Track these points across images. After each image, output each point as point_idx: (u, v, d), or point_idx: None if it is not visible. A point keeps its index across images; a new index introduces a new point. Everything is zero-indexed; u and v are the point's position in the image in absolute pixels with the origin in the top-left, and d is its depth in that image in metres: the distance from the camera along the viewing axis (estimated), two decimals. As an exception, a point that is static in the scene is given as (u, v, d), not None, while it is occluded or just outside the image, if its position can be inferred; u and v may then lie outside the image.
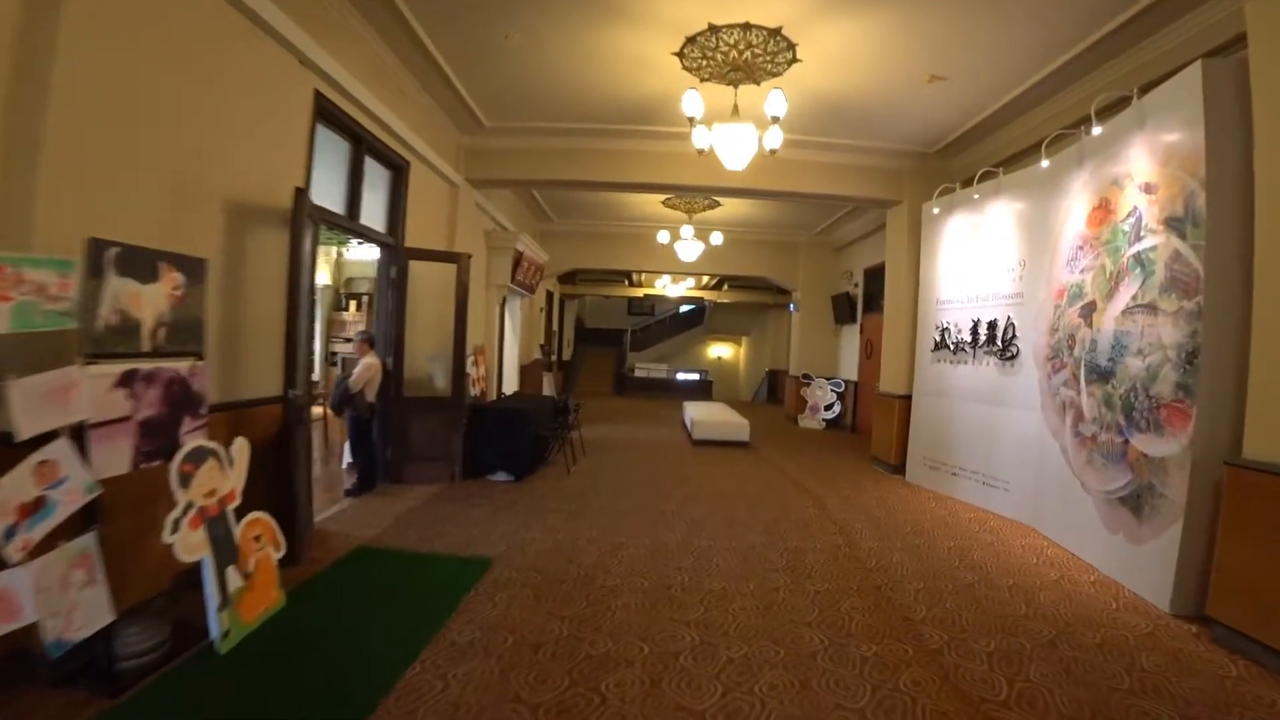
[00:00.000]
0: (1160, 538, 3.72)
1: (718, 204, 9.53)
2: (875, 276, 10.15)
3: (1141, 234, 4.04)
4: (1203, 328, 3.57)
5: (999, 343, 5.57)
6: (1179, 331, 3.69)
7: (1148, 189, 4.02)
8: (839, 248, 11.64)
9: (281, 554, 3.20)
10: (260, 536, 3.07)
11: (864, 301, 10.77)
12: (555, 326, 15.70)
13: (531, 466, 6.34)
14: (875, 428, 7.56)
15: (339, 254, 9.66)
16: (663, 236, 9.68)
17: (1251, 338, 3.30)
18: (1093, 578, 4.10)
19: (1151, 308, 3.91)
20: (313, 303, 4.57)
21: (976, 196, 5.78)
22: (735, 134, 4.74)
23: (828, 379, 11.53)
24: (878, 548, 4.59)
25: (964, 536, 4.89)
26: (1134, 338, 4.04)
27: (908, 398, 6.86)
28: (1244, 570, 3.15)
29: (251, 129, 3.69)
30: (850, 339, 11.31)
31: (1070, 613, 3.54)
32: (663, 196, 9.28)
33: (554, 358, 15.10)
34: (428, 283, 6.00)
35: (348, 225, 5.01)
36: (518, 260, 8.64)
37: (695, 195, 7.47)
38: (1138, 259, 4.06)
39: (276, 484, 3.74)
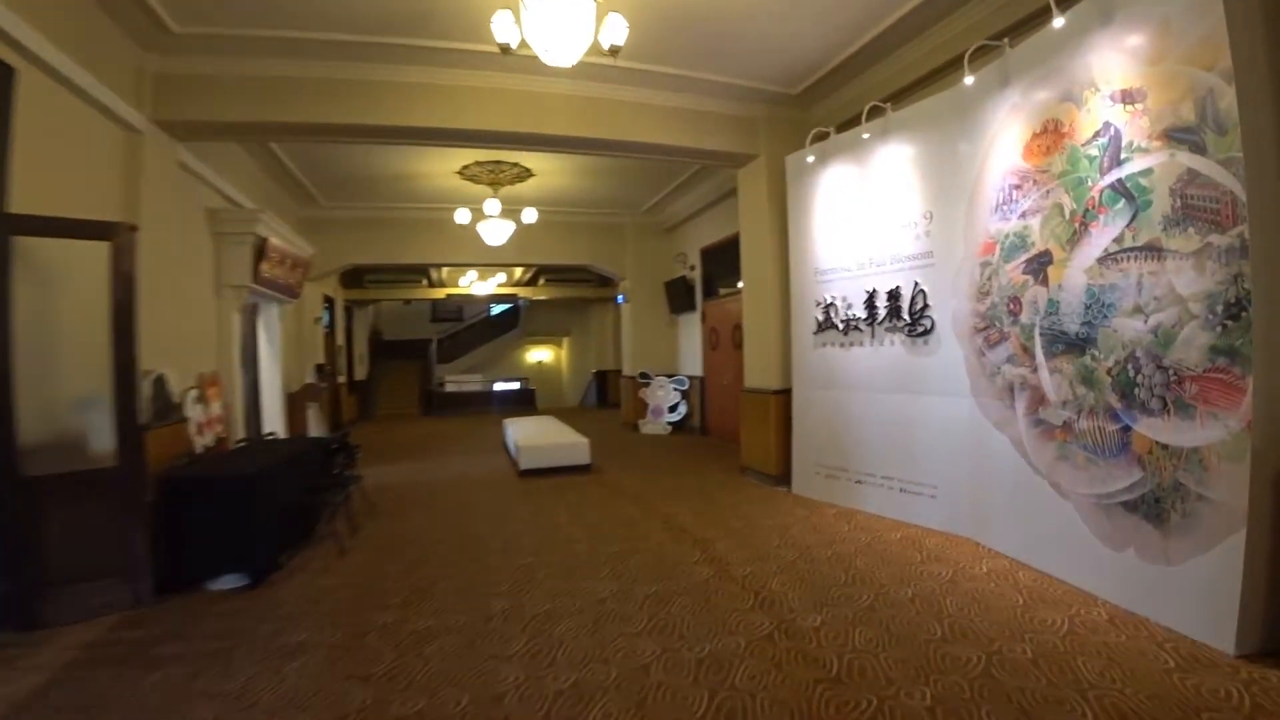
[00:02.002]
0: (1206, 555, 2.77)
1: (529, 173, 7.72)
2: (715, 256, 9.08)
3: (1123, 156, 2.96)
4: (1251, 268, 2.46)
5: (906, 316, 4.46)
6: (1207, 278, 2.68)
7: (1127, 97, 2.95)
8: (670, 228, 10.48)
9: None
10: None
11: (704, 286, 9.66)
12: (342, 341, 12.77)
13: (282, 555, 4.06)
14: (745, 432, 6.28)
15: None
16: (462, 216, 7.65)
17: None
18: (1104, 613, 3.10)
19: (1153, 250, 2.87)
20: None
21: (867, 136, 4.65)
22: (561, 5, 3.04)
23: (669, 376, 10.27)
24: (801, 605, 3.27)
25: (911, 571, 3.74)
26: (1125, 292, 3.01)
27: (786, 393, 5.64)
28: None
29: None
30: (691, 329, 10.14)
31: (1135, 688, 2.41)
32: (458, 163, 7.24)
33: (341, 379, 12.22)
34: (84, 281, 3.51)
35: None
36: (263, 251, 6.11)
37: (502, 145, 5.57)
38: (1119, 189, 3.01)
39: None
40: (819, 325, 5.29)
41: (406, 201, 9.02)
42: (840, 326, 5.08)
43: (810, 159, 5.18)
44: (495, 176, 7.67)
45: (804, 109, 5.82)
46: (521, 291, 16.22)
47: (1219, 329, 2.70)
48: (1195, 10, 2.76)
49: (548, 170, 7.71)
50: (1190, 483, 2.82)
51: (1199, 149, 2.77)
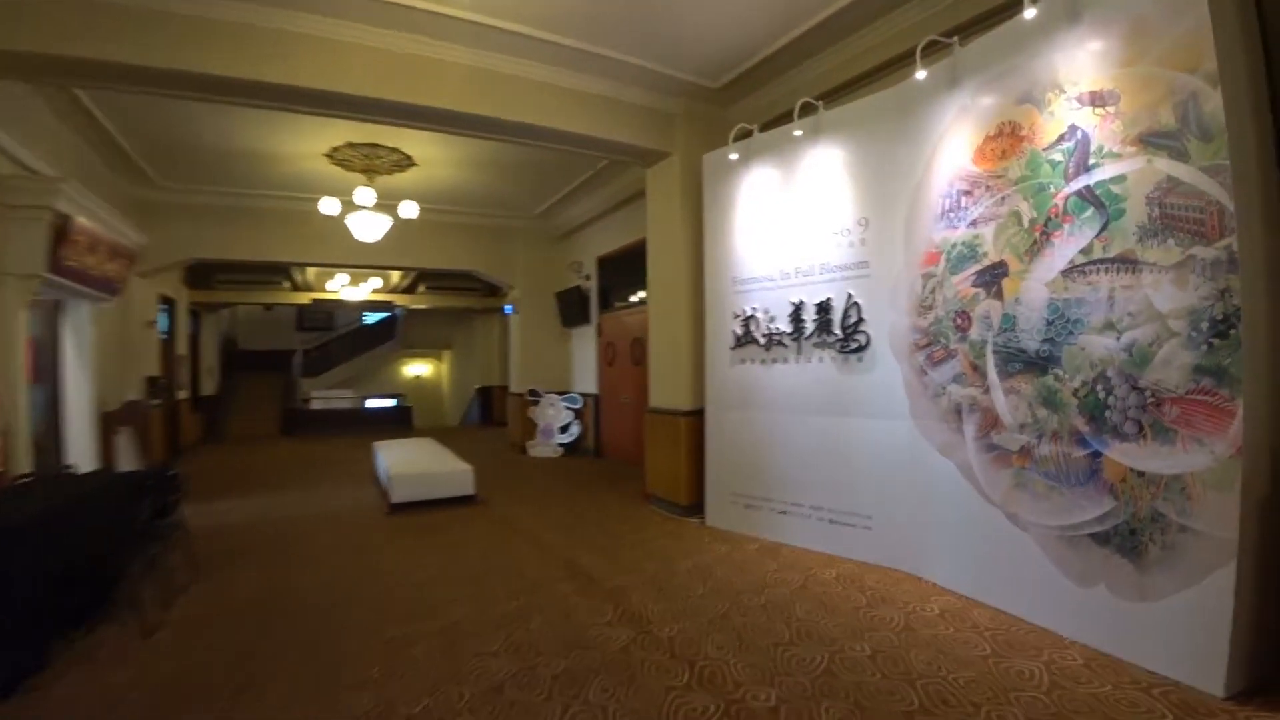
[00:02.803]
0: (1189, 590, 2.57)
1: (410, 162, 6.78)
2: (613, 266, 8.61)
3: (1091, 162, 2.71)
4: (1241, 283, 2.24)
5: (838, 330, 4.10)
6: (1190, 293, 2.46)
7: (1098, 100, 2.74)
8: (565, 234, 9.79)
9: None
10: None
11: (600, 297, 9.08)
12: (185, 349, 10.87)
13: (59, 640, 2.92)
14: (651, 457, 5.72)
15: None
16: (330, 205, 6.55)
17: None
18: (1079, 658, 2.87)
19: (1126, 262, 2.64)
20: None
21: (799, 133, 4.27)
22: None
23: (560, 394, 9.53)
24: (748, 676, 2.73)
25: (860, 620, 3.33)
26: (1095, 307, 2.77)
27: (698, 414, 5.15)
28: None
29: None
30: (585, 344, 9.51)
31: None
32: (329, 143, 6.17)
33: (183, 395, 10.37)
34: None
35: None
36: (65, 232, 4.77)
37: (387, 118, 4.65)
38: (1087, 197, 2.77)
39: None
40: (737, 340, 4.85)
41: (266, 188, 7.64)
42: (762, 341, 4.66)
43: (733, 156, 4.77)
44: (371, 162, 6.65)
45: (723, 106, 5.44)
46: (399, 299, 14.82)
47: (1204, 347, 2.50)
48: (1174, 9, 2.60)
49: (432, 160, 6.81)
50: (1171, 513, 2.59)
51: (1180, 155, 2.57)
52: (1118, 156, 2.78)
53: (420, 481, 6.02)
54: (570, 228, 9.37)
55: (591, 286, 9.18)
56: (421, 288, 14.46)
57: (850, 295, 4.17)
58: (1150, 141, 2.67)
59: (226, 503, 6.46)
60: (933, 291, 3.68)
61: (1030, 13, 3.01)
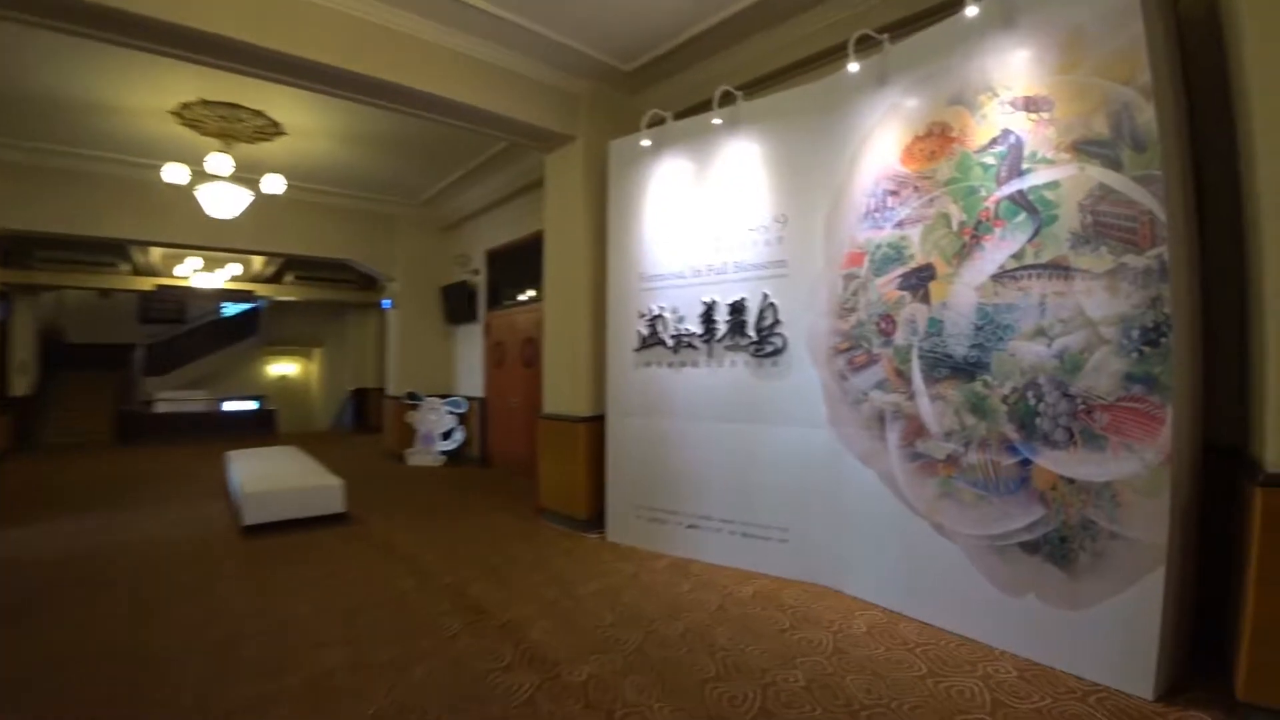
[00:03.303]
0: (1119, 596, 2.58)
1: (277, 129, 5.88)
2: (504, 260, 8.11)
3: (1024, 166, 2.67)
4: (1172, 292, 2.23)
5: (752, 333, 3.91)
6: (1121, 300, 2.47)
7: (1032, 105, 2.71)
8: (452, 225, 9.04)
9: None
10: None
11: (489, 293, 8.49)
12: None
13: None
14: (545, 467, 5.28)
15: None
16: (176, 173, 5.51)
17: (1262, 302, 2.28)
18: (1012, 669, 2.83)
19: (1059, 268, 2.63)
20: None
21: (719, 122, 4.03)
22: None
23: (443, 397, 8.77)
24: None
25: (787, 645, 3.10)
26: (1026, 313, 2.73)
27: (598, 420, 4.79)
28: None
29: None
30: (471, 343, 8.85)
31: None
32: (177, 98, 5.18)
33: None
34: None
35: None
36: None
37: (247, 67, 3.83)
38: (1020, 201, 2.73)
39: None
40: (643, 341, 4.53)
41: (97, 146, 6.22)
42: (670, 343, 4.38)
43: (646, 143, 4.47)
44: (229, 126, 5.63)
45: (633, 92, 5.14)
46: (263, 289, 13.10)
47: (1135, 355, 2.50)
48: (1111, 21, 2.61)
49: (304, 130, 5.93)
50: (1102, 520, 2.58)
51: (1113, 164, 2.57)
52: (1051, 162, 2.76)
53: (280, 499, 5.15)
54: (459, 217, 8.68)
55: (480, 281, 8.57)
56: (289, 277, 12.94)
57: (766, 295, 3.98)
58: (1084, 149, 2.67)
59: (33, 528, 5.20)
60: (855, 293, 3.56)
61: (972, 10, 2.94)
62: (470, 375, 8.80)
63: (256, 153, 6.24)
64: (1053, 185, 2.75)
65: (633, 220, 4.64)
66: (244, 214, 6.20)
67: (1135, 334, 2.51)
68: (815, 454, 3.76)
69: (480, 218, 8.37)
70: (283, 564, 4.27)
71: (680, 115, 4.46)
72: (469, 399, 8.65)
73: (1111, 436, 2.57)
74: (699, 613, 3.40)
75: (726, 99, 4.09)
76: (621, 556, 4.36)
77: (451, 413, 8.67)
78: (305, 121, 5.75)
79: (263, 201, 6.32)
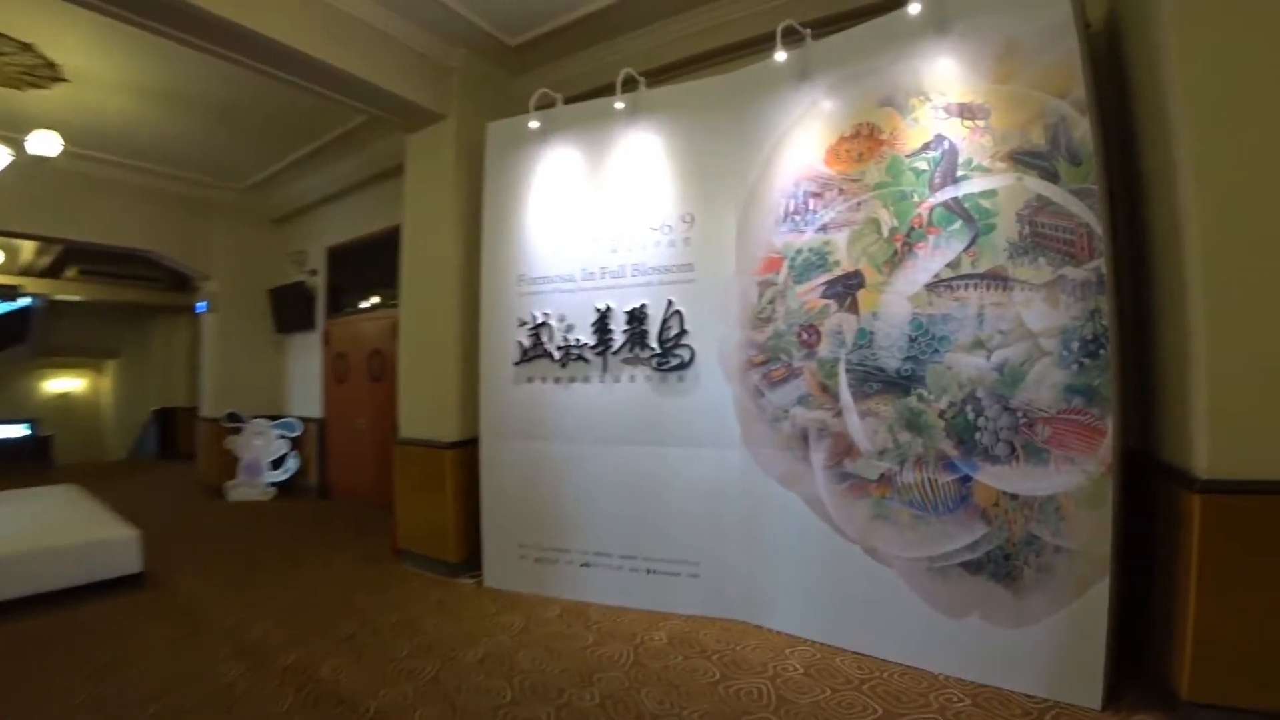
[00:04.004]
0: (1065, 610, 2.59)
1: (54, 73, 4.42)
2: (349, 259, 7.08)
3: (960, 174, 2.67)
4: (1109, 305, 2.34)
5: (654, 344, 3.58)
6: (1061, 312, 2.51)
7: (967, 112, 2.73)
8: (285, 216, 7.71)
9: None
10: None
11: (329, 297, 7.33)
12: None
13: None
14: (404, 501, 4.48)
15: None
16: None
17: (1193, 315, 2.39)
18: (963, 696, 2.73)
19: (997, 278, 2.65)
20: None
21: (621, 106, 3.62)
22: None
23: (272, 419, 7.44)
24: None
25: (727, 700, 2.78)
26: (963, 324, 2.72)
27: (470, 445, 4.14)
28: (1247, 630, 2.25)
29: None
30: (307, 355, 7.58)
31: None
32: None
33: None
34: None
35: None
36: None
37: None
38: (955, 209, 2.73)
39: None
40: (524, 353, 3.98)
41: None
42: (556, 355, 3.88)
43: (534, 125, 3.92)
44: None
45: (519, 71, 4.60)
46: (34, 284, 9.94)
47: (1075, 367, 2.54)
48: (1047, 35, 2.67)
49: (95, 79, 4.49)
50: (1046, 534, 2.59)
51: (1050, 176, 2.62)
52: (988, 171, 2.76)
53: (41, 563, 3.78)
54: (295, 208, 7.41)
55: (319, 284, 7.38)
56: (71, 270, 10.12)
57: (671, 303, 3.65)
58: (1021, 159, 2.69)
59: None
60: (772, 302, 3.36)
61: (915, 7, 2.86)
62: (306, 392, 7.53)
63: (23, 102, 4.68)
64: (989, 194, 2.76)
65: (514, 214, 4.07)
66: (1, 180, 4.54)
67: (1075, 346, 2.56)
68: (728, 478, 3.49)
69: (321, 209, 7.20)
70: (43, 660, 3.04)
71: (570, 102, 3.99)
72: (304, 420, 7.40)
73: (1054, 449, 2.59)
74: (613, 672, 2.94)
75: (630, 83, 3.70)
76: (506, 606, 3.72)
77: (283, 437, 7.35)
78: (97, 67, 4.36)
79: (29, 167, 4.73)
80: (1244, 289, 2.29)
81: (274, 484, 7.28)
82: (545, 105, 3.92)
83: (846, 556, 3.09)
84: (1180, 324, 2.48)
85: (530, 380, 4.00)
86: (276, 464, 7.33)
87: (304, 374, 7.61)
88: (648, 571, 3.67)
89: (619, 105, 3.69)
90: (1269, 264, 2.26)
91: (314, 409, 7.36)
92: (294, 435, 7.40)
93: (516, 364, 4.02)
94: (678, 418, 3.64)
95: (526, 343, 4.00)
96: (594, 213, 3.86)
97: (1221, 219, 2.32)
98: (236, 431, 7.43)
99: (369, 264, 6.66)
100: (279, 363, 8.00)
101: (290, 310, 7.60)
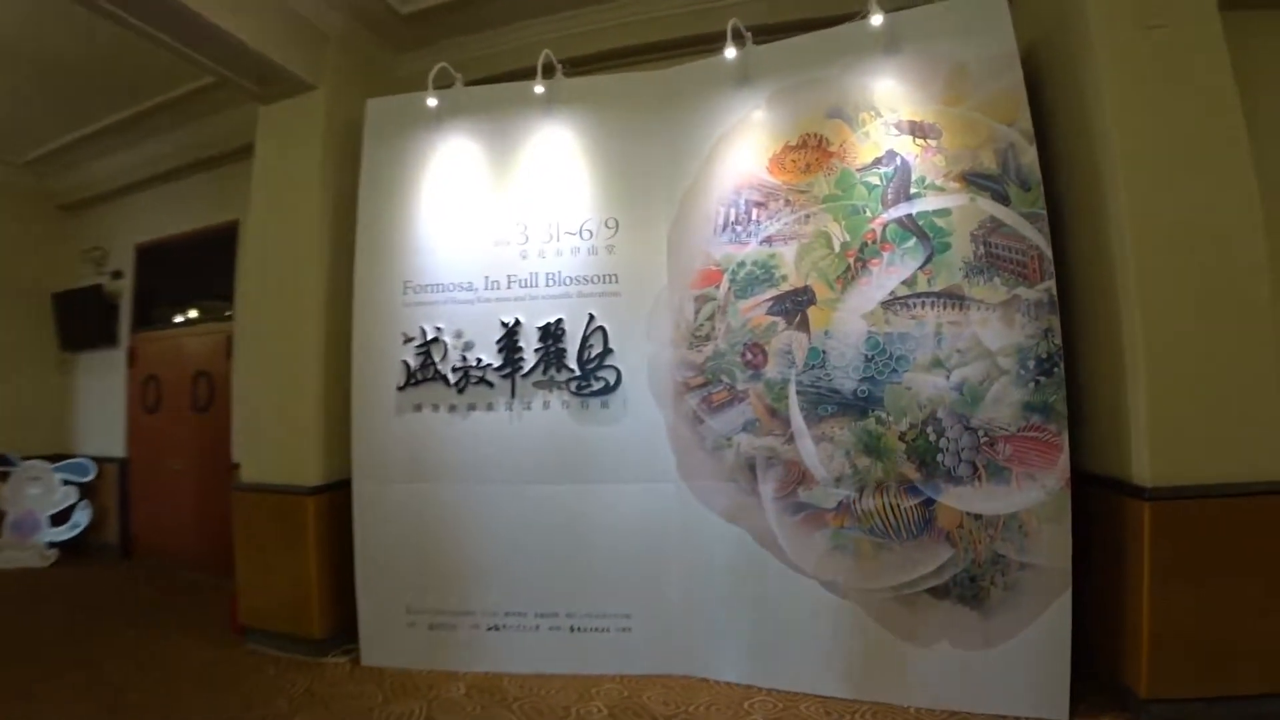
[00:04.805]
0: (1030, 626, 2.66)
1: None
2: (164, 260, 5.85)
3: (913, 191, 2.74)
4: (1060, 324, 2.53)
5: (573, 365, 3.25)
6: (1017, 331, 2.63)
7: (918, 131, 2.81)
8: (78, 203, 6.23)
9: None
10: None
11: (137, 306, 5.94)
12: None
13: None
14: (248, 564, 3.64)
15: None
16: None
17: (1131, 333, 2.60)
18: None
19: (954, 297, 2.73)
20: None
21: (541, 90, 3.26)
22: None
23: (54, 460, 5.72)
24: None
25: None
26: (921, 342, 2.77)
27: (336, 490, 3.45)
28: (1197, 625, 2.46)
29: None
30: (106, 378, 6.00)
31: None
32: None
33: None
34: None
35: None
36: None
37: None
38: (909, 226, 2.79)
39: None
40: (411, 376, 3.39)
41: None
42: (452, 378, 3.35)
43: (433, 102, 3.37)
44: None
45: (409, 46, 4.01)
46: None
47: (1032, 385, 2.65)
48: (994, 64, 2.83)
49: None
50: (1011, 552, 2.66)
51: (1001, 199, 2.74)
52: (941, 190, 2.82)
53: None
54: (94, 193, 5.95)
55: (124, 289, 5.92)
56: None
57: (592, 317, 3.30)
58: (973, 181, 2.78)
59: None
60: (711, 318, 3.16)
61: (878, 19, 2.83)
62: (104, 425, 5.93)
63: None
64: (943, 213, 2.80)
65: (399, 209, 3.46)
66: None
67: (1031, 364, 2.65)
68: (662, 515, 3.18)
69: (131, 197, 5.81)
70: None
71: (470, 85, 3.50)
72: (100, 460, 5.81)
73: (1015, 467, 2.66)
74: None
75: (549, 70, 3.31)
76: (396, 689, 3.05)
77: (70, 482, 5.74)
78: None
79: None
80: (1178, 316, 2.53)
81: (56, 544, 5.65)
82: (444, 85, 3.39)
83: (803, 593, 2.93)
84: (1114, 345, 2.68)
85: (419, 408, 3.39)
86: (60, 518, 5.72)
87: (100, 402, 6.03)
88: (571, 629, 3.22)
89: (539, 89, 3.30)
90: (1199, 288, 2.52)
91: (114, 446, 5.85)
92: (85, 480, 5.82)
93: (401, 389, 3.39)
94: (602, 449, 3.26)
95: (414, 363, 3.39)
96: (500, 212, 3.40)
97: (1154, 246, 2.55)
98: (2, 478, 5.72)
99: (194, 266, 5.59)
100: (65, 388, 6.29)
101: (82, 321, 6.04)
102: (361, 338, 3.46)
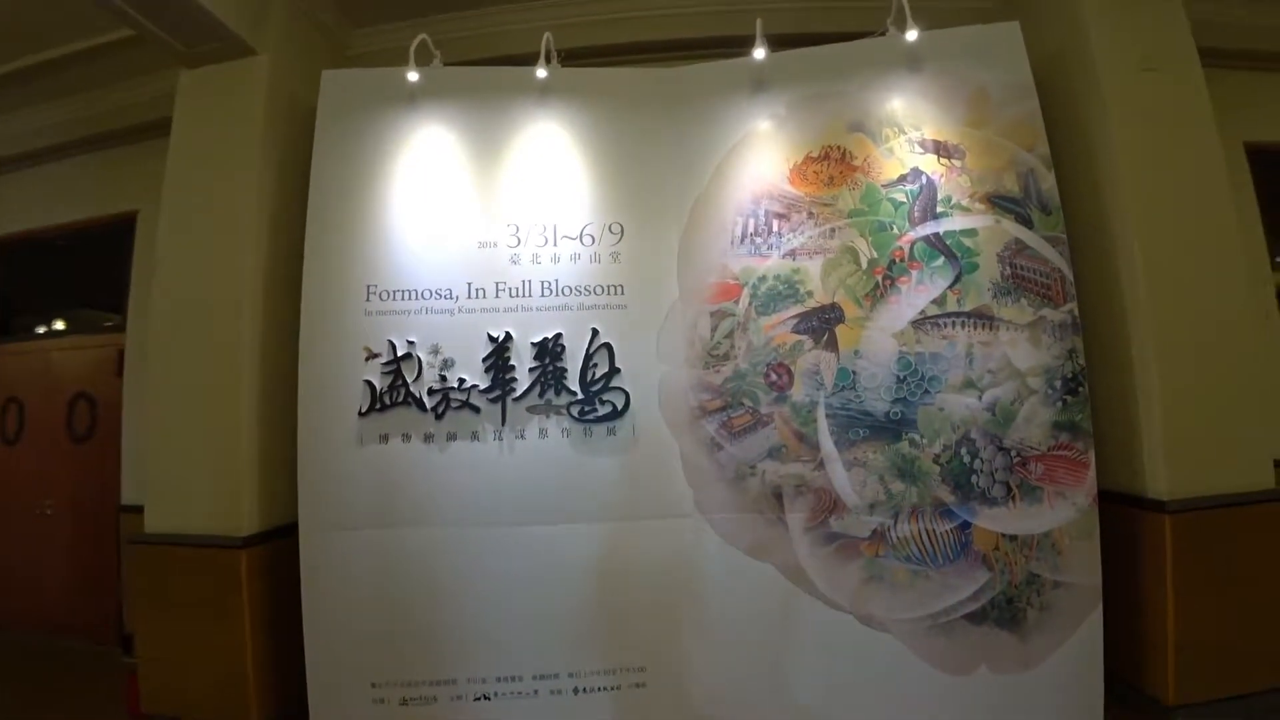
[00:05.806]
0: (1065, 645, 2.73)
1: None
2: (28, 259, 4.98)
3: (939, 210, 2.84)
4: (1084, 345, 2.72)
5: (575, 386, 2.97)
6: (1044, 351, 2.77)
7: (943, 150, 2.93)
8: None
9: None
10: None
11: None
12: None
13: None
14: (152, 634, 2.89)
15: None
16: None
17: (1142, 351, 2.84)
18: None
19: (984, 317, 2.84)
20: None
21: (544, 75, 2.99)
22: None
23: None
24: None
25: None
26: (953, 363, 2.87)
27: (276, 539, 2.88)
28: (1218, 631, 2.66)
29: None
30: None
31: None
32: None
33: None
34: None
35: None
36: None
37: None
38: (937, 245, 2.87)
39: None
40: (377, 398, 2.91)
41: None
42: (427, 402, 2.92)
43: (414, 77, 2.93)
44: None
45: (365, 20, 3.63)
46: None
47: (1059, 404, 2.77)
48: (1013, 90, 3.00)
49: None
50: (1045, 571, 2.77)
51: (1025, 221, 2.89)
52: (967, 210, 2.90)
53: None
54: None
55: None
56: None
57: (596, 333, 3.02)
58: (998, 203, 2.89)
59: None
60: (729, 335, 3.01)
61: (913, 34, 2.87)
62: None
63: None
64: (970, 233, 2.88)
65: (361, 202, 2.97)
66: None
67: (1058, 384, 2.77)
68: (679, 555, 2.94)
69: None
70: None
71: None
72: None
73: (1046, 486, 2.75)
74: None
75: (548, 57, 3.02)
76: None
77: None
78: None
79: None
80: (1188, 332, 2.77)
81: None
82: (423, 62, 2.97)
83: (839, 629, 2.82)
84: (1124, 363, 2.88)
85: (385, 439, 2.89)
86: None
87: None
88: (575, 691, 2.86)
89: (541, 74, 2.99)
90: (1208, 310, 2.79)
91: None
92: None
93: (364, 414, 2.87)
94: (607, 483, 2.96)
95: (380, 384, 2.89)
96: (486, 210, 3.03)
97: (1162, 270, 2.79)
98: None
99: (76, 264, 4.86)
100: None
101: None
102: (311, 352, 2.90)
